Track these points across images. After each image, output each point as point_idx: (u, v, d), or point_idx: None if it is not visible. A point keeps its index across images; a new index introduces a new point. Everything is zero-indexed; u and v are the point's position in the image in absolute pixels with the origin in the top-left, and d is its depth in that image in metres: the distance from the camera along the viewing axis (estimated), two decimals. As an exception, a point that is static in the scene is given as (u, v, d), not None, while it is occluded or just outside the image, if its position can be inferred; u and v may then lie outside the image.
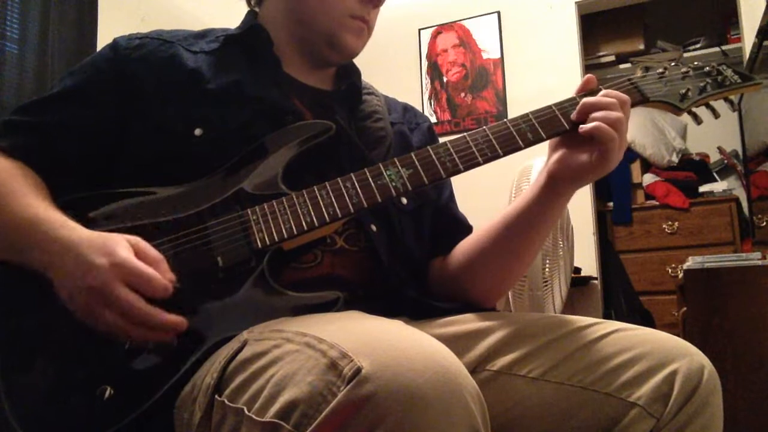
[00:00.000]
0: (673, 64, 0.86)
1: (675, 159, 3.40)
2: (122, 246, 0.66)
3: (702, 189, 3.32)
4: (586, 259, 2.92)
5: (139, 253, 0.66)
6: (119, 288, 0.63)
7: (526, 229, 0.85)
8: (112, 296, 0.63)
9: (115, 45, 0.87)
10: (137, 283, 0.64)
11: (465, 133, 0.78)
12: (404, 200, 0.90)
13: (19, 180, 0.77)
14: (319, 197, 0.75)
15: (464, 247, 0.93)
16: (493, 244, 0.88)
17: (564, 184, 0.80)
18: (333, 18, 0.89)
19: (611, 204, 3.39)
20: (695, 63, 0.86)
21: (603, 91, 0.79)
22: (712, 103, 0.85)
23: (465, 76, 3.31)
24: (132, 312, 0.64)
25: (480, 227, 0.93)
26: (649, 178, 3.40)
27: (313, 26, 0.90)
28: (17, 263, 0.73)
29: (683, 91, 0.83)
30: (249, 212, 0.75)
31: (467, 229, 1.01)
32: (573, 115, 0.78)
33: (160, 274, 0.65)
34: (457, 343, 0.74)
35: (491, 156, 0.77)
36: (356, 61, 1.02)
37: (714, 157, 3.57)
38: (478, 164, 0.77)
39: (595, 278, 3.01)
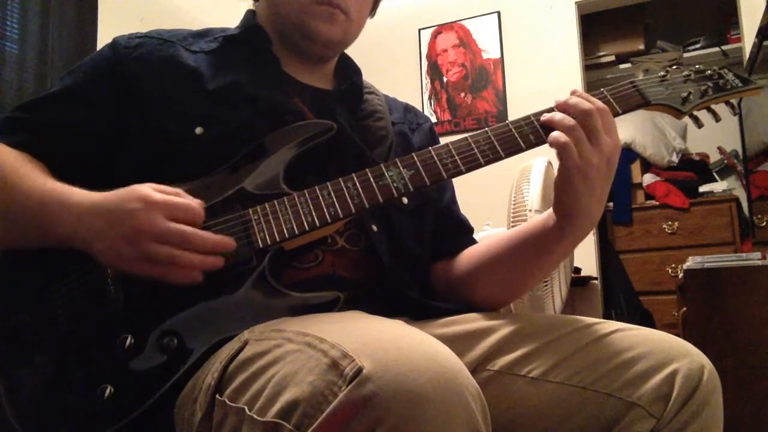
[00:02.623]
0: (674, 67, 0.86)
1: (675, 159, 3.40)
2: (148, 189, 0.69)
3: (702, 189, 3.32)
4: (586, 259, 2.92)
5: (161, 191, 0.69)
6: (166, 222, 0.66)
7: (527, 256, 0.84)
8: (163, 231, 0.66)
9: (114, 44, 0.87)
10: (177, 214, 0.67)
11: (467, 135, 0.78)
12: (405, 200, 0.90)
13: (29, 165, 0.78)
14: (320, 197, 0.75)
15: (469, 255, 0.93)
16: (496, 261, 0.88)
17: (556, 211, 0.79)
18: (300, 6, 0.88)
19: (611, 204, 3.38)
20: (697, 66, 0.86)
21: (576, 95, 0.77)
22: (713, 106, 0.85)
23: (465, 76, 3.31)
24: (187, 237, 0.66)
25: (486, 238, 0.92)
26: (649, 178, 3.39)
27: (286, 18, 0.90)
28: (40, 244, 0.74)
29: (685, 94, 0.83)
30: (250, 212, 0.75)
31: (468, 231, 1.01)
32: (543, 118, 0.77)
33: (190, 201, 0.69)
34: (458, 343, 0.74)
35: (493, 157, 0.77)
36: (356, 61, 1.02)
37: (714, 157, 3.57)
38: (480, 165, 0.77)
39: (595, 278, 3.01)
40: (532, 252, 0.84)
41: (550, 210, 0.81)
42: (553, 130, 0.75)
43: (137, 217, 0.66)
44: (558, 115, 0.75)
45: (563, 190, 0.76)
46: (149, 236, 0.66)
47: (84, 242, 0.70)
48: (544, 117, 0.77)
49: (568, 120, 0.74)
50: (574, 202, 0.76)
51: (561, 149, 0.73)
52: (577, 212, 0.77)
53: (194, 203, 0.70)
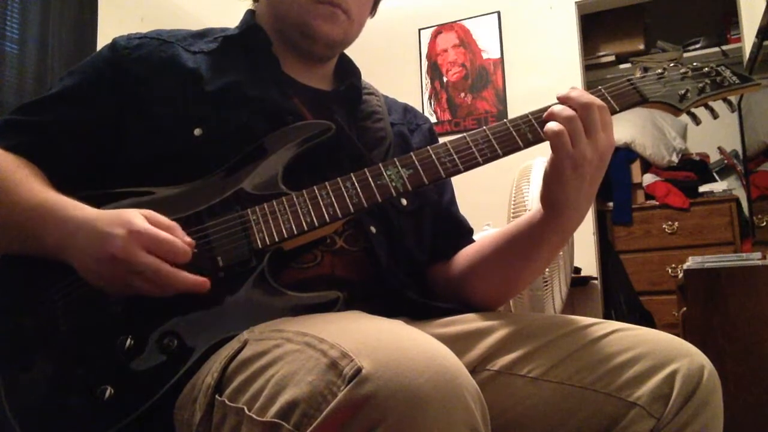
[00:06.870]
0: (672, 64, 0.86)
1: (675, 159, 3.41)
2: (137, 216, 0.68)
3: (702, 189, 3.32)
4: (586, 259, 2.92)
5: (153, 222, 0.68)
6: (142, 255, 0.65)
7: (522, 249, 0.84)
8: (136, 263, 0.65)
9: (113, 45, 0.87)
10: (158, 248, 0.66)
11: (465, 134, 0.78)
12: (404, 201, 0.90)
13: (25, 171, 0.77)
14: (319, 197, 0.75)
15: (464, 256, 0.93)
16: (492, 257, 0.88)
17: (543, 203, 0.79)
18: (300, 6, 0.88)
19: (611, 204, 3.39)
20: (694, 64, 0.86)
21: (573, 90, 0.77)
22: (711, 103, 0.85)
23: (465, 76, 3.31)
24: (158, 276, 0.65)
25: (485, 235, 0.92)
26: (649, 178, 3.40)
27: (287, 18, 0.90)
28: (27, 252, 0.74)
29: (682, 91, 0.83)
30: (249, 212, 0.75)
31: (468, 232, 1.01)
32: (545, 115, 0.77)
33: (177, 238, 0.68)
34: (457, 343, 0.74)
35: (491, 156, 0.77)
36: (356, 61, 1.02)
37: (714, 157, 3.57)
38: (478, 164, 0.77)
39: (595, 278, 3.01)
40: (521, 247, 0.84)
41: (539, 206, 0.81)
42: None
43: (115, 244, 0.65)
44: (557, 107, 0.75)
45: (553, 181, 0.76)
46: (123, 265, 0.65)
47: (68, 256, 0.70)
48: (545, 114, 0.77)
49: (567, 111, 0.74)
50: (563, 195, 0.76)
51: (554, 137, 0.73)
52: (565, 205, 0.77)
53: (179, 242, 0.67)
